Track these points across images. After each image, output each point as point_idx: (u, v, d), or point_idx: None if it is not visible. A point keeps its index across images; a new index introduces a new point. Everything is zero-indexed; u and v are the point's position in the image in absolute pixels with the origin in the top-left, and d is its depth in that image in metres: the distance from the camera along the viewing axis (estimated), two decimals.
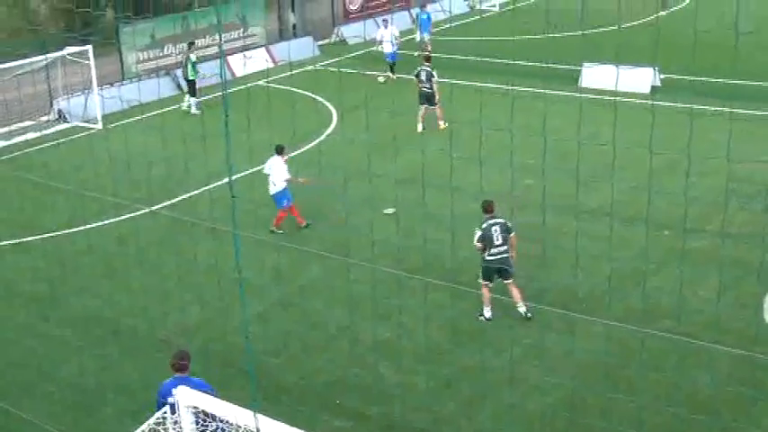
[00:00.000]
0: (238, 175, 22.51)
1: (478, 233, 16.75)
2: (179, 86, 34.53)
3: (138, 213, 22.34)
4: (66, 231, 21.49)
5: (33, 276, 19.54)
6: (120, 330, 17.12)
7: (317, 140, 27.36)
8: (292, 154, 25.50)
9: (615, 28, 35.44)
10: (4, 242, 21.30)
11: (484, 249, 16.74)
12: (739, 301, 16.91)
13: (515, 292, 16.86)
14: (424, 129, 27.75)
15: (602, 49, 32.53)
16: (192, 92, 31.80)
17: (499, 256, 16.69)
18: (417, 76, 28.10)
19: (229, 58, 36.24)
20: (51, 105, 31.36)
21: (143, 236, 20.87)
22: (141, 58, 34.83)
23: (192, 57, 32.06)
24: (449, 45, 38.65)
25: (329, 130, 28.41)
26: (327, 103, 30.94)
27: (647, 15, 39.14)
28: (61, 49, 30.31)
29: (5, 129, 29.34)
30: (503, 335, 16.13)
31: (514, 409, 14.19)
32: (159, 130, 25.57)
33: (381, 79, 33.75)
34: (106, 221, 21.97)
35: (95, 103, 30.40)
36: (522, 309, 16.86)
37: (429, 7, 39.16)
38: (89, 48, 29.90)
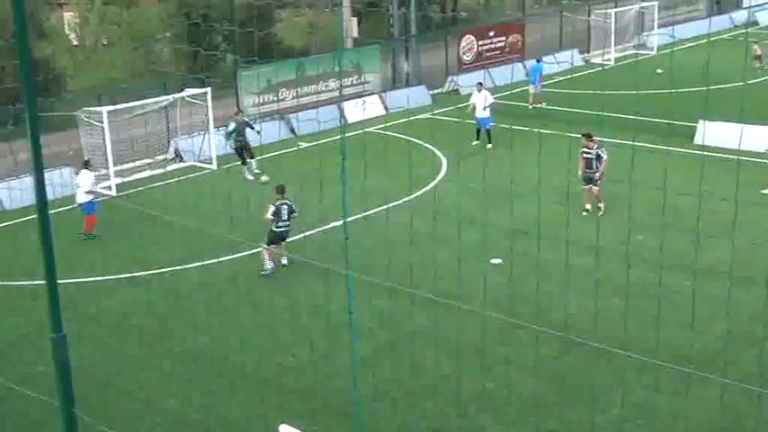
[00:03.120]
0: (351, 218, 22.68)
1: (272, 208, 21.62)
2: (292, 130, 35.13)
3: (251, 252, 22.67)
4: (180, 267, 21.96)
5: (146, 310, 20.01)
6: (227, 367, 17.35)
7: (429, 187, 27.43)
8: (405, 199, 25.69)
9: (732, 85, 34.86)
10: (120, 275, 21.86)
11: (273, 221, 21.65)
12: None
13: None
14: (588, 210, 25.06)
15: (720, 106, 31.97)
16: (241, 158, 30.17)
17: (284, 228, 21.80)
18: (597, 156, 24.74)
19: (343, 104, 36.76)
20: (169, 144, 32.22)
21: (254, 274, 21.20)
22: (257, 102, 35.60)
23: (231, 124, 30.12)
24: (562, 97, 38.51)
25: (440, 177, 28.47)
26: (438, 152, 31.05)
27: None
28: (181, 91, 31.21)
29: (126, 166, 30.24)
30: (610, 392, 15.84)
31: None
32: (273, 172, 26.04)
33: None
34: (219, 259, 22.37)
35: (211, 143, 31.13)
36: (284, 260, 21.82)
37: (545, 60, 39.05)
38: (208, 90, 30.71)
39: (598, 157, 24.60)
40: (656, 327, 17.50)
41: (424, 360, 17.25)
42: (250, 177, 28.84)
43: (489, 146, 31.66)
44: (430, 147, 31.59)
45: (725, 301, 18.55)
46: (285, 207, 21.78)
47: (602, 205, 24.80)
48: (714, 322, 17.92)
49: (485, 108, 32.02)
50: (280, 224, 21.73)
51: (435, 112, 37.79)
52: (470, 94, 39.67)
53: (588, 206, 25.01)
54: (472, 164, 28.55)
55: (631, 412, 15.35)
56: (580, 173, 24.91)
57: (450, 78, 42.64)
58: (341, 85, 34.29)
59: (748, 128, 29.73)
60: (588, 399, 15.71)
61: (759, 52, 43.99)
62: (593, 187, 24.82)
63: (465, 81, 41.89)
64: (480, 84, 33.24)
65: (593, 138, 24.91)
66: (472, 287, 19.26)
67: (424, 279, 20.28)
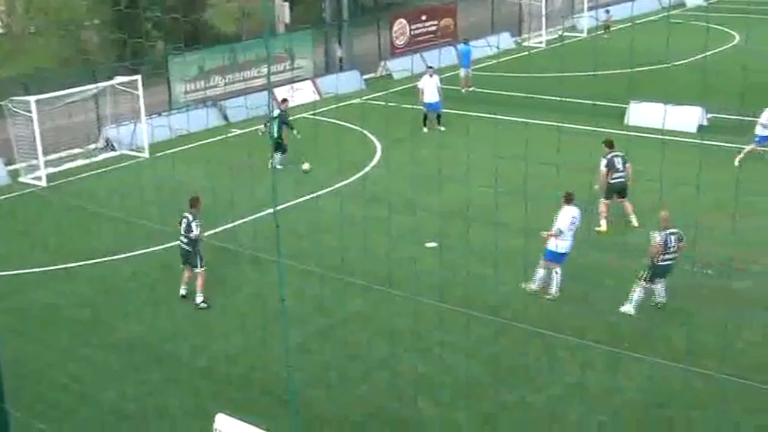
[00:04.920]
0: (283, 206, 22.65)
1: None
2: (225, 117, 34.87)
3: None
4: (112, 258, 21.70)
5: (78, 301, 19.75)
6: (162, 357, 17.22)
7: (362, 172, 27.44)
8: (337, 185, 25.66)
9: (662, 66, 35.34)
10: (50, 267, 21.54)
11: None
12: None
13: None
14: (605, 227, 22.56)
15: (649, 87, 32.42)
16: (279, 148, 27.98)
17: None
18: (610, 166, 22.20)
19: (275, 90, 36.55)
20: (100, 133, 31.79)
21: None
22: (189, 89, 35.25)
23: (276, 111, 28.26)
24: (494, 81, 38.74)
25: (374, 163, 28.49)
26: (372, 137, 31.06)
27: (694, 55, 38.97)
28: (111, 79, 30.79)
29: (55, 156, 29.75)
30: (544, 372, 16.05)
31: None
32: (205, 160, 25.84)
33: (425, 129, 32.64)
34: (151, 249, 22.15)
35: (143, 132, 30.78)
36: None
37: (472, 42, 39.18)
38: (138, 77, 30.34)
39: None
40: (588, 307, 17.80)
41: (359, 345, 17.28)
42: (279, 167, 26.87)
43: (442, 128, 31.71)
44: (364, 131, 31.58)
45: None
46: (184, 221, 19.16)
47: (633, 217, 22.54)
48: (645, 301, 18.21)
49: (434, 92, 31.89)
50: (181, 238, 19.35)
51: (368, 96, 37.81)
52: (405, 79, 39.78)
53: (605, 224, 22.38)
54: (406, 148, 28.58)
55: (565, 391, 15.56)
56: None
57: (382, 63, 42.65)
58: (269, 72, 34.01)
59: (677, 108, 30.21)
60: (523, 379, 15.89)
61: (610, 21, 49.14)
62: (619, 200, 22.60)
63: (397, 66, 41.96)
64: (431, 68, 32.96)
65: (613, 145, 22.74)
66: (407, 271, 19.34)
67: (358, 264, 20.31)
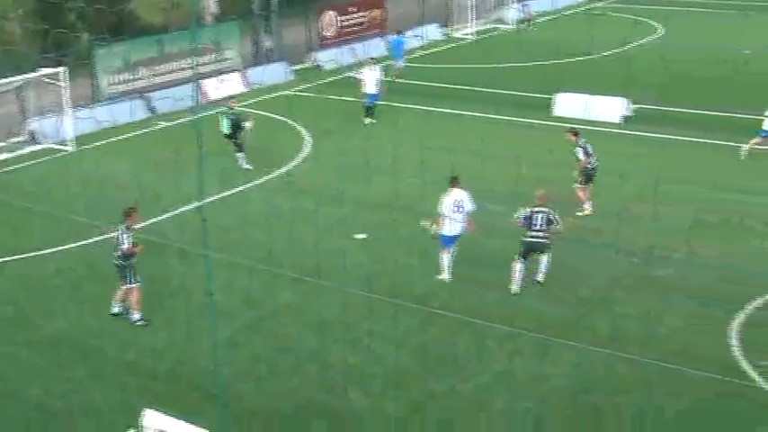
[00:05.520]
0: (210, 199, 22.50)
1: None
2: (152, 109, 34.46)
3: (109, 236, 22.19)
4: (36, 253, 21.34)
5: (1, 299, 19.39)
6: (88, 352, 17.00)
7: (291, 165, 27.36)
8: (266, 178, 25.55)
9: (586, 58, 35.89)
10: None
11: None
12: (705, 327, 17.03)
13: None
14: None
15: (574, 78, 32.89)
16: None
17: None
18: (587, 153, 22.32)
19: (203, 81, 36.23)
20: (23, 126, 31.23)
21: (112, 258, 20.76)
22: (115, 81, 34.78)
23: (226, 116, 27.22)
24: (422, 72, 38.89)
25: (303, 155, 28.42)
26: (302, 128, 30.98)
27: (617, 47, 39.57)
28: (35, 71, 30.26)
29: None
30: (473, 361, 16.19)
31: None
32: (131, 153, 25.58)
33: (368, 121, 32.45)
34: (77, 244, 21.83)
35: (68, 124, 30.31)
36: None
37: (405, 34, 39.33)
38: (63, 69, 29.86)
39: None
40: (513, 296, 18.03)
41: (289, 337, 17.26)
42: (247, 166, 26.35)
43: (373, 121, 31.37)
44: (292, 123, 31.49)
45: (583, 270, 19.28)
46: (116, 235, 18.28)
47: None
48: (571, 289, 18.50)
49: (375, 84, 31.69)
50: (114, 253, 18.29)
51: (298, 88, 37.69)
52: (334, 70, 39.72)
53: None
54: (335, 140, 28.59)
55: (494, 379, 15.71)
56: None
57: (311, 54, 42.53)
58: (195, 63, 33.64)
59: (602, 99, 30.65)
60: (452, 368, 16.01)
61: (532, 14, 49.62)
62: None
63: (326, 57, 41.91)
64: (373, 59, 32.74)
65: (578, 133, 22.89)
66: (336, 263, 19.35)
67: (287, 256, 20.29)
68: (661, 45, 41.07)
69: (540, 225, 18.40)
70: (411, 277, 19.01)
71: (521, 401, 14.94)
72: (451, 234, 18.92)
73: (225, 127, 26.33)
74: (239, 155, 26.48)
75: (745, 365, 15.77)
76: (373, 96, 31.65)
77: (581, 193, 22.45)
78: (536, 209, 18.49)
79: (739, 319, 17.24)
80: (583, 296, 18.44)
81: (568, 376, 15.64)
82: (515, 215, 18.54)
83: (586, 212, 22.25)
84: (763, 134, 25.86)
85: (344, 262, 18.49)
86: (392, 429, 14.36)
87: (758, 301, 17.82)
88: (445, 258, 19.05)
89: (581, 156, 22.23)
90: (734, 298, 17.81)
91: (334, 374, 15.88)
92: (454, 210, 18.79)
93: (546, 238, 18.54)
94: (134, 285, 18.02)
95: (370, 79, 31.68)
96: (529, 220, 18.46)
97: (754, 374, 15.48)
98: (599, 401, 14.86)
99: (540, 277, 18.79)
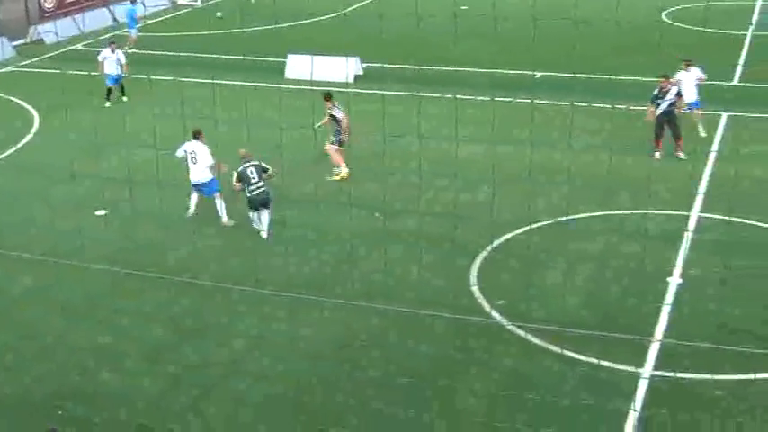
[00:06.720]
0: None
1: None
2: None
3: None
4: None
5: None
6: None
7: (20, 144, 26.12)
8: None
9: (314, 20, 36.37)
10: None
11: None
12: (449, 274, 17.79)
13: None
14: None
15: (304, 41, 33.23)
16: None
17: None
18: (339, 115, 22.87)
19: None
20: None
21: None
22: None
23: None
24: (151, 41, 38.06)
25: (32, 133, 27.18)
26: (29, 106, 29.59)
27: (340, 9, 40.15)
28: None
29: None
30: (226, 328, 16.17)
31: (241, 399, 14.26)
32: None
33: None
34: None
35: None
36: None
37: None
38: None
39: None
40: (264, 257, 18.13)
41: (36, 322, 16.61)
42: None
43: (125, 99, 29.98)
44: (18, 101, 30.05)
45: (329, 229, 19.58)
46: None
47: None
48: (319, 248, 18.81)
49: (116, 66, 30.09)
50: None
51: (21, 64, 35.96)
52: (59, 43, 38.12)
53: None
54: (64, 116, 27.47)
55: (250, 344, 15.75)
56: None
57: (33, 28, 40.56)
58: None
59: (332, 59, 31.02)
60: (207, 337, 15.95)
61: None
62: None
63: (49, 29, 40.09)
64: (113, 43, 30.95)
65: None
66: (76, 241, 18.65)
67: (21, 239, 19.47)
68: (380, 5, 41.87)
69: (254, 178, 19.32)
70: (158, 250, 18.71)
71: (278, 364, 15.07)
72: (193, 181, 20.16)
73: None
74: None
75: (485, 305, 16.66)
76: (113, 78, 30.03)
77: (335, 156, 22.77)
78: (246, 164, 19.40)
79: (476, 264, 18.16)
80: (331, 253, 18.77)
81: (324, 333, 15.92)
82: (233, 181, 19.47)
83: (343, 175, 22.60)
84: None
85: (85, 240, 17.90)
86: (150, 406, 14.15)
87: (492, 246, 18.80)
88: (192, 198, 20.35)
89: (338, 114, 22.67)
90: (469, 244, 18.70)
91: (85, 357, 15.43)
92: (185, 156, 20.13)
93: (265, 186, 19.40)
94: None
95: (110, 62, 30.18)
96: (245, 177, 19.27)
97: (495, 314, 16.36)
98: (356, 355, 15.23)
99: (265, 234, 19.41)
